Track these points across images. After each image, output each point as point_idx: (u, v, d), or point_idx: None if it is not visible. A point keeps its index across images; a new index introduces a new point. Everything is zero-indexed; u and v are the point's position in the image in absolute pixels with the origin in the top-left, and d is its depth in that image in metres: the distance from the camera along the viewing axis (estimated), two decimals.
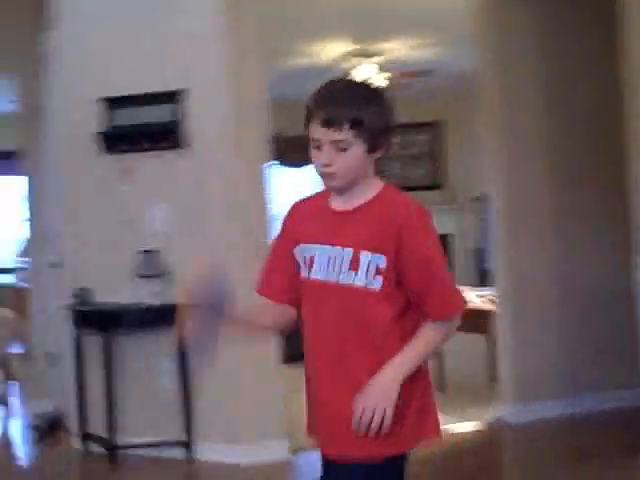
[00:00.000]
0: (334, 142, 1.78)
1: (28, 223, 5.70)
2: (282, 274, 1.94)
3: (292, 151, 7.27)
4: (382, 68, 7.85)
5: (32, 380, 5.58)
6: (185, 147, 4.29)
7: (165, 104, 4.30)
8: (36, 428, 4.91)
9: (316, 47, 7.53)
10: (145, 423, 4.32)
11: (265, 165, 4.38)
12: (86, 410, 4.41)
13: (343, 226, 1.84)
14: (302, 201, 2.00)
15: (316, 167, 1.83)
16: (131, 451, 4.25)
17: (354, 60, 7.81)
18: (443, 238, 10.60)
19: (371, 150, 1.82)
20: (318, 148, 1.81)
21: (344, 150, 1.79)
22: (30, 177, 5.55)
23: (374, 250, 1.80)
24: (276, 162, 5.83)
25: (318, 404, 1.89)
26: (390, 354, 1.79)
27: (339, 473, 1.86)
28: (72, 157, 4.52)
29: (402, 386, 1.78)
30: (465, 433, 4.56)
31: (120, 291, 4.32)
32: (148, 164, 4.38)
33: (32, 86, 5.41)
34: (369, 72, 7.74)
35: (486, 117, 4.96)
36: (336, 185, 1.84)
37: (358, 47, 7.58)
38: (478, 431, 4.67)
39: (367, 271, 1.80)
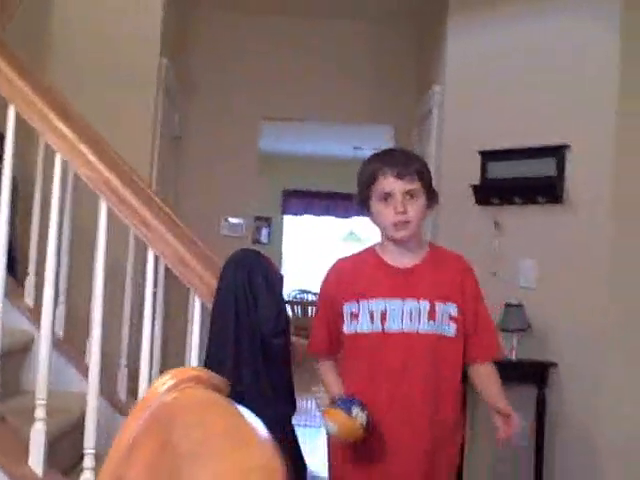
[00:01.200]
0: (407, 192, 2.05)
1: None
2: (330, 332, 2.11)
3: None
4: None
5: None
6: (561, 203, 4.21)
7: (545, 158, 4.27)
8: None
9: None
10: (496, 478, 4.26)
11: None
12: None
13: (410, 280, 2.06)
14: (345, 260, 2.19)
15: (388, 218, 2.06)
16: None
17: None
18: None
19: (429, 203, 2.12)
20: (386, 201, 2.05)
21: (414, 199, 2.05)
22: None
23: (446, 300, 2.06)
24: None
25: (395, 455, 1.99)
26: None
27: None
28: (448, 206, 4.65)
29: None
30: None
31: None
32: (520, 218, 4.36)
33: (408, 137, 5.72)
34: None
35: None
36: (407, 234, 2.07)
37: None
38: None
39: (442, 319, 2.04)
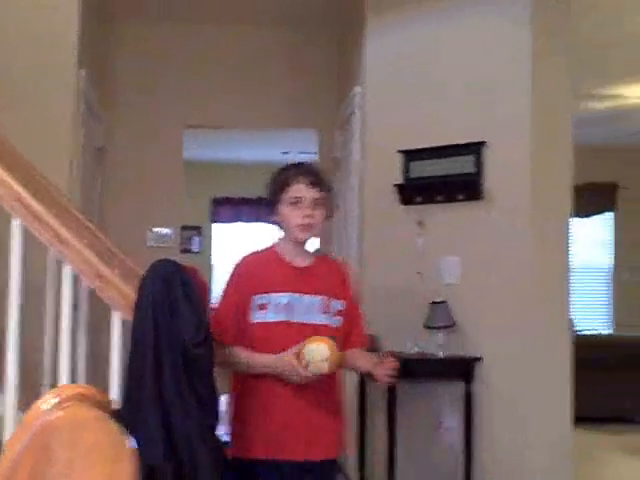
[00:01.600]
0: (315, 200, 2.39)
1: None
2: (234, 321, 2.37)
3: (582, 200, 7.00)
4: None
5: None
6: (481, 199, 4.31)
7: (463, 156, 4.36)
8: None
9: (621, 89, 7.29)
10: (426, 475, 4.33)
11: (567, 217, 4.28)
12: (365, 456, 4.50)
13: (307, 278, 2.41)
14: (251, 257, 2.48)
15: (296, 220, 2.39)
16: None
17: None
18: None
19: (327, 215, 2.45)
20: (296, 205, 2.38)
21: (319, 207, 2.40)
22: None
23: (335, 297, 2.43)
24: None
25: (297, 420, 2.35)
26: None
27: (324, 469, 2.42)
28: (373, 207, 4.71)
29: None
30: None
31: (406, 340, 4.39)
32: (443, 216, 4.45)
33: (331, 140, 5.77)
34: None
35: None
36: (309, 236, 2.43)
37: None
38: None
39: (332, 313, 2.41)
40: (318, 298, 2.40)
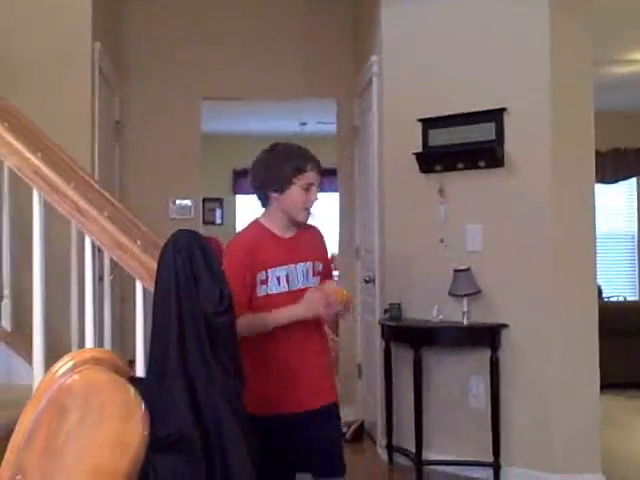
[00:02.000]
0: (319, 185, 2.67)
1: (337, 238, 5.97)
2: (247, 297, 2.55)
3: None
4: None
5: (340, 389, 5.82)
6: (502, 166, 4.26)
7: (484, 123, 4.31)
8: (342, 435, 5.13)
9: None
10: (452, 440, 4.34)
11: (591, 183, 4.22)
12: (393, 422, 4.51)
13: (296, 247, 2.66)
14: (246, 236, 2.70)
15: (305, 203, 2.62)
16: (436, 467, 4.28)
17: None
18: None
19: None
20: (307, 190, 2.62)
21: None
22: (341, 194, 5.82)
23: (317, 260, 2.71)
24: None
25: (298, 376, 2.59)
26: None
27: (330, 413, 2.65)
28: (392, 176, 4.67)
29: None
30: None
31: (430, 308, 4.37)
32: (464, 184, 4.40)
33: (350, 108, 5.72)
34: None
35: None
36: (309, 218, 2.70)
37: None
38: None
39: (317, 274, 2.69)
40: (308, 264, 2.68)
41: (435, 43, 4.55)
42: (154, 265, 2.12)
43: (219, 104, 6.73)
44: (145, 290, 2.28)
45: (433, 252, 4.47)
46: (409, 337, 4.38)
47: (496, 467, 4.13)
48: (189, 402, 1.97)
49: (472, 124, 4.38)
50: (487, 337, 4.21)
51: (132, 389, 0.97)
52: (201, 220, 6.12)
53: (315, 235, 2.80)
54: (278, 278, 2.58)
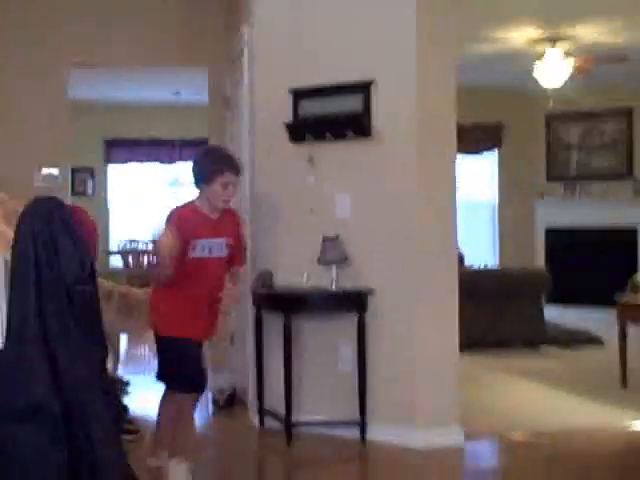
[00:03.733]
0: (235, 184, 3.62)
1: None
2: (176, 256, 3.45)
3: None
4: (569, 53, 7.71)
5: (213, 355, 5.87)
6: (370, 137, 4.38)
7: (352, 94, 4.41)
8: (215, 402, 5.18)
9: (501, 33, 7.48)
10: (320, 402, 4.47)
11: (453, 153, 4.41)
12: (264, 387, 4.60)
13: (219, 226, 3.59)
14: (183, 208, 3.61)
15: (222, 198, 3.56)
16: (306, 428, 4.41)
17: (539, 47, 7.72)
18: (632, 231, 10.22)
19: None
20: (226, 187, 3.54)
21: (235, 188, 3.64)
22: None
23: (228, 236, 3.64)
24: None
25: (203, 315, 3.61)
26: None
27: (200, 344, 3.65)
28: (263, 146, 4.72)
29: None
30: None
31: (301, 275, 4.47)
32: (333, 154, 4.50)
33: (221, 78, 5.72)
34: (554, 58, 7.64)
35: None
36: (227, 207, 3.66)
37: (546, 32, 7.46)
38: None
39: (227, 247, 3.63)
40: (223, 239, 3.62)
41: (306, 14, 4.60)
42: (10, 234, 2.10)
43: (92, 72, 6.58)
44: (5, 259, 2.25)
45: (303, 220, 4.56)
46: (279, 304, 4.47)
47: (362, 425, 4.30)
48: (49, 370, 1.97)
49: (341, 95, 4.47)
50: (354, 303, 4.35)
51: None
52: (70, 190, 5.98)
53: (233, 218, 3.76)
54: (203, 246, 3.53)
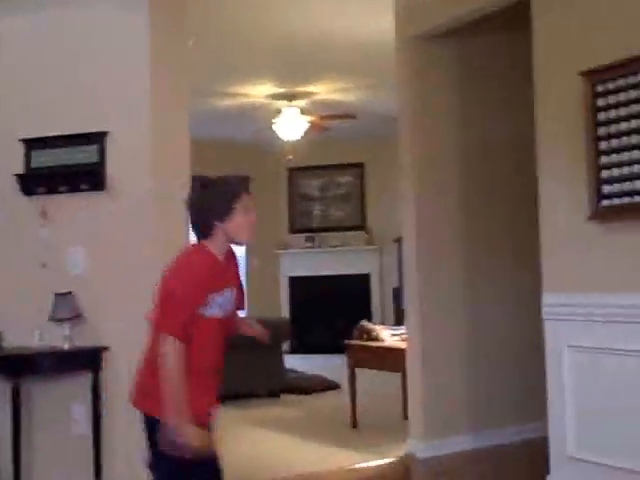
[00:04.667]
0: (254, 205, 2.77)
1: None
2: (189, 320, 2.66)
3: None
4: (305, 111, 8.13)
5: None
6: (104, 189, 4.30)
7: (86, 145, 4.32)
8: None
9: (241, 89, 7.73)
10: (56, 470, 4.24)
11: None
12: None
13: (226, 273, 2.78)
14: (204, 259, 2.71)
15: (250, 224, 2.75)
16: None
17: (278, 102, 8.07)
18: (364, 277, 10.89)
19: None
20: (247, 213, 2.72)
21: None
22: None
23: (235, 284, 2.84)
24: None
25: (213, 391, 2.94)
26: None
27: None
28: None
29: None
30: (376, 468, 4.75)
31: (32, 334, 4.25)
32: (68, 206, 4.37)
33: None
34: (292, 115, 8.01)
35: (402, 160, 5.18)
36: None
37: (282, 90, 7.83)
38: (389, 465, 4.80)
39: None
40: (233, 289, 2.80)
41: (39, 59, 4.45)
42: None
43: None
44: None
45: (35, 276, 4.36)
46: (7, 366, 4.19)
47: None
48: None
49: (75, 146, 4.36)
50: (88, 361, 4.20)
51: None
52: None
53: (235, 258, 2.89)
54: (217, 302, 2.70)
